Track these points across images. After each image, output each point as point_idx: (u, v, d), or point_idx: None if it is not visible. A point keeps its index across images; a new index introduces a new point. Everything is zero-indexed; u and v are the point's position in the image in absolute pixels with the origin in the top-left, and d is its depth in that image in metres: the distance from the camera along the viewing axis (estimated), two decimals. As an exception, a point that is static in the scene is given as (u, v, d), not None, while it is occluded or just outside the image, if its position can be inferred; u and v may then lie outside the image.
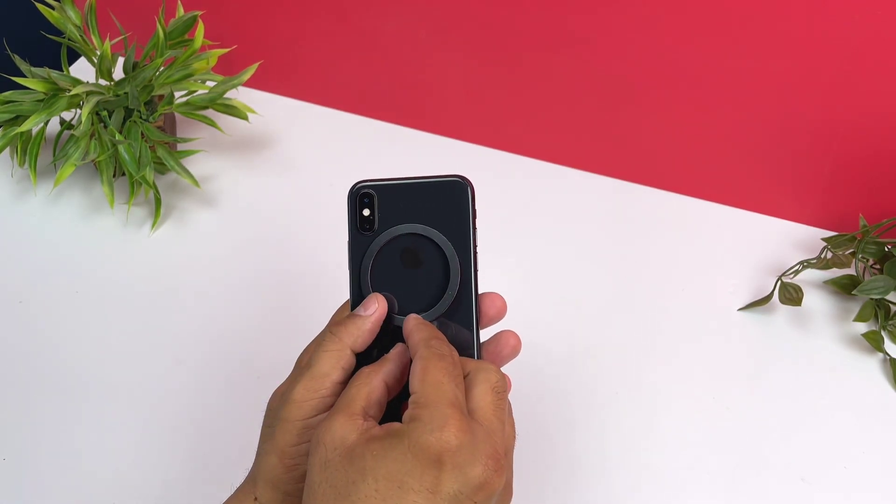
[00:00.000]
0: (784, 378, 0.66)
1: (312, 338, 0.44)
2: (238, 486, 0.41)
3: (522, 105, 0.80)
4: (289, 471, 0.38)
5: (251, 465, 0.42)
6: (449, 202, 0.42)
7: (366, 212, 0.42)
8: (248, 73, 0.76)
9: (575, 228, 0.77)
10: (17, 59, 0.71)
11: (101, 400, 0.62)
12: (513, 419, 0.40)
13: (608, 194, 0.80)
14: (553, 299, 0.70)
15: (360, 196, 0.42)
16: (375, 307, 0.41)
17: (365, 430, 0.35)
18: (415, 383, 0.37)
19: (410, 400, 0.36)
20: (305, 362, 0.41)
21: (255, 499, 0.39)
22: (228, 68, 0.86)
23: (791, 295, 0.68)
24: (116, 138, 0.70)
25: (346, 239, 0.43)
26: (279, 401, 0.40)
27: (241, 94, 0.87)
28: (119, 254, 0.73)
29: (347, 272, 0.43)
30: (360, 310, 0.41)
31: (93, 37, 0.74)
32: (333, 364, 0.39)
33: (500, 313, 0.43)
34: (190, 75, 0.74)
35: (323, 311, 0.49)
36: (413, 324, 0.40)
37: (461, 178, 0.42)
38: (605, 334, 0.68)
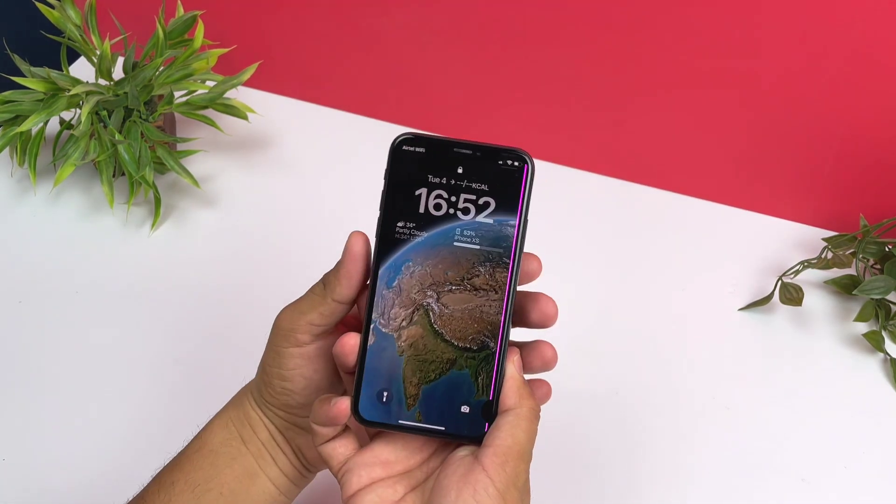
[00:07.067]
0: (784, 378, 0.66)
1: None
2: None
3: (522, 105, 0.80)
4: (266, 385, 0.45)
5: None
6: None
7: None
8: (248, 73, 0.76)
9: (574, 228, 0.77)
10: (17, 59, 0.71)
11: (100, 400, 0.62)
12: None
13: (608, 194, 0.80)
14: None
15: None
16: (352, 245, 0.41)
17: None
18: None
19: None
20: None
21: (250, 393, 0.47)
22: (228, 68, 0.86)
23: (791, 295, 0.68)
24: (116, 138, 0.70)
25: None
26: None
27: (241, 94, 0.87)
28: (119, 254, 0.73)
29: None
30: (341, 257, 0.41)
31: (93, 36, 0.74)
32: (310, 306, 0.43)
33: (548, 321, 0.43)
34: (190, 75, 0.74)
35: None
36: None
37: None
38: (604, 334, 0.68)
